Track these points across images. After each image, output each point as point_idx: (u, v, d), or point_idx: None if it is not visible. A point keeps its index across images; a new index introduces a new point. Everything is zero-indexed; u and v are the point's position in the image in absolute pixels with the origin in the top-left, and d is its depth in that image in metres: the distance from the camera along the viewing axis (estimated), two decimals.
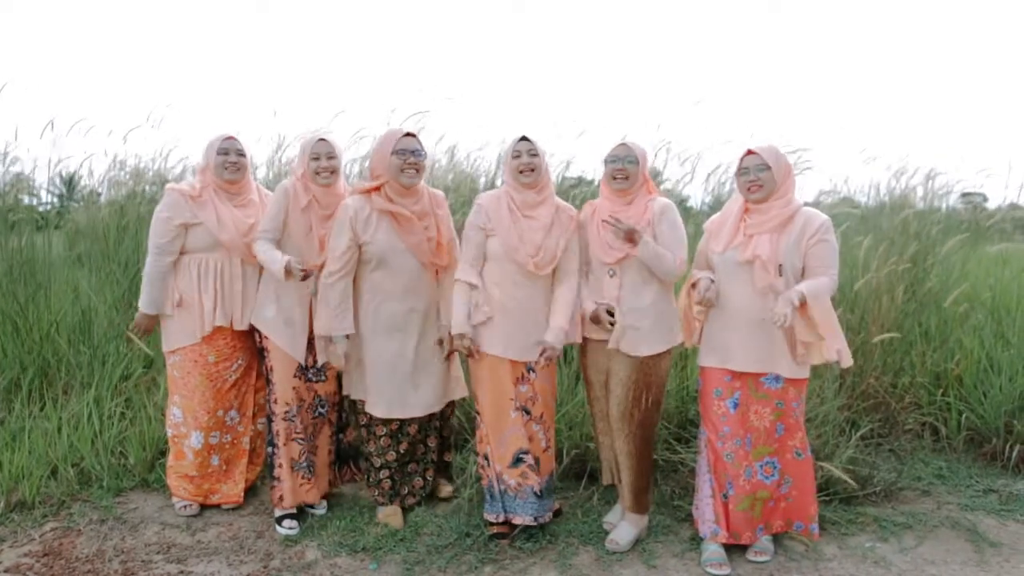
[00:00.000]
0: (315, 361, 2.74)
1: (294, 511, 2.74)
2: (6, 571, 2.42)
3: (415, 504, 2.86)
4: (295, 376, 2.72)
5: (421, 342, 2.70)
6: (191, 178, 2.95)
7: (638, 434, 2.56)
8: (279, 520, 2.72)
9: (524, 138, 2.58)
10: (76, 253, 4.71)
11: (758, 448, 2.48)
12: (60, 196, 5.67)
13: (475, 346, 2.56)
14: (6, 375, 3.66)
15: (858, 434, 3.17)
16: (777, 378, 2.43)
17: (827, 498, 2.87)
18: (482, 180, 4.49)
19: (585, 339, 2.66)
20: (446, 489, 2.96)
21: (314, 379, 2.76)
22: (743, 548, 2.55)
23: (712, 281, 2.45)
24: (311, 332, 2.70)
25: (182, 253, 2.74)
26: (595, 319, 2.53)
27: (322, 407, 2.82)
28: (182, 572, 2.44)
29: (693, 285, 2.51)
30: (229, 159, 2.73)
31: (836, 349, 2.33)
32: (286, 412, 2.71)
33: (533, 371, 2.61)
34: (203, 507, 2.86)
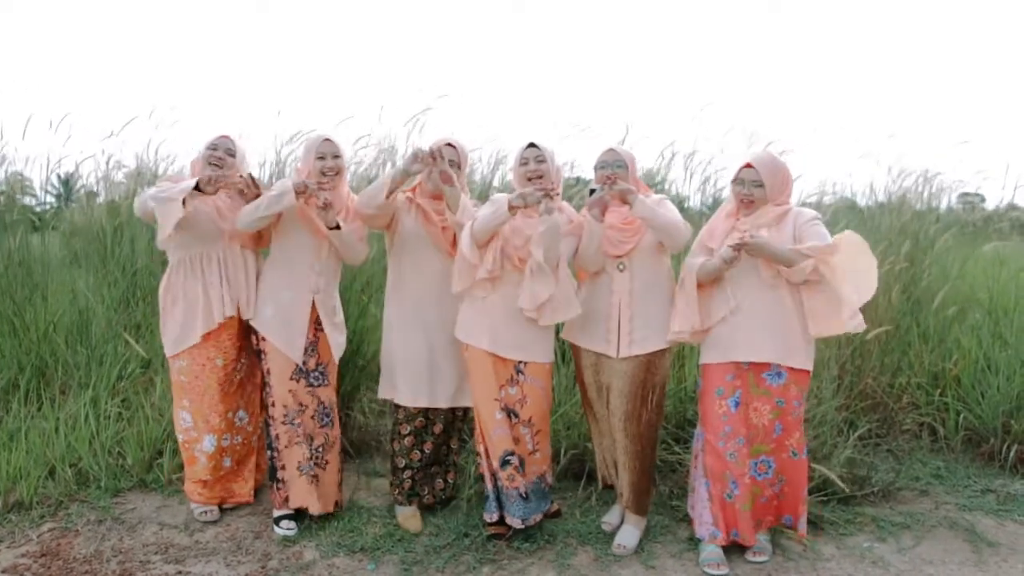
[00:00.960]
0: (316, 364, 2.73)
1: (292, 512, 2.74)
2: (4, 572, 2.41)
3: (433, 504, 2.86)
4: (292, 379, 2.70)
5: (446, 336, 2.71)
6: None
7: (643, 434, 2.57)
8: (277, 520, 2.71)
9: (532, 144, 2.59)
10: (73, 253, 4.70)
11: (755, 446, 2.49)
12: (57, 196, 5.66)
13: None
14: (3, 375, 3.65)
15: (856, 434, 3.17)
16: (779, 374, 2.44)
17: (825, 498, 2.88)
18: (477, 178, 4.49)
19: (579, 351, 2.66)
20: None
21: (315, 383, 2.75)
22: (741, 548, 2.55)
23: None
24: (313, 333, 2.70)
25: (182, 249, 2.69)
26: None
27: (327, 415, 2.78)
28: (180, 572, 2.43)
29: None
30: (215, 154, 2.71)
31: (850, 315, 2.32)
32: (284, 416, 2.69)
33: (523, 373, 2.60)
34: (221, 509, 2.85)
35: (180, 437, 2.82)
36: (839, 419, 3.29)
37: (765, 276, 2.42)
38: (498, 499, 2.61)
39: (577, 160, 4.53)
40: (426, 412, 2.75)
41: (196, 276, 2.69)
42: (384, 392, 2.82)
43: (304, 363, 2.71)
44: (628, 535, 2.62)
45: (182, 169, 4.58)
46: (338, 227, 2.65)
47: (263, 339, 2.69)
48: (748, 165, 2.47)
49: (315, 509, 2.71)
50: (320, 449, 2.75)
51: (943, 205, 4.57)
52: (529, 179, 2.56)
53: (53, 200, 5.52)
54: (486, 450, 2.61)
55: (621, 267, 2.55)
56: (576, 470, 3.11)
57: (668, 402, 3.27)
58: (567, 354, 3.55)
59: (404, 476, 2.78)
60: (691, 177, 4.48)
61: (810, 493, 2.70)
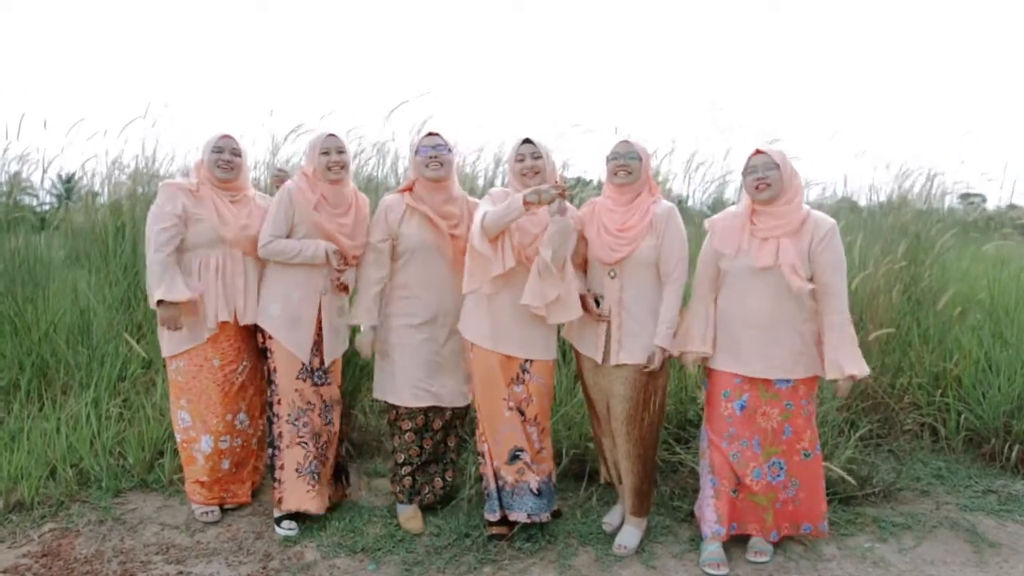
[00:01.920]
0: (321, 363, 2.73)
1: (293, 512, 2.74)
2: (5, 572, 2.42)
3: (434, 503, 2.86)
4: (298, 378, 2.70)
5: (448, 338, 2.73)
6: (180, 178, 2.92)
7: (644, 437, 2.55)
8: (278, 521, 2.71)
9: (527, 140, 2.56)
10: (74, 253, 4.70)
11: (767, 449, 2.48)
12: (59, 196, 5.66)
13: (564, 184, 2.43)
14: (5, 376, 3.66)
15: (857, 434, 3.17)
16: (788, 380, 2.43)
17: (826, 498, 2.87)
18: (480, 180, 4.49)
19: (581, 357, 2.66)
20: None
21: (319, 382, 2.75)
22: (743, 548, 2.55)
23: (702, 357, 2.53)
24: (317, 332, 2.70)
25: (182, 252, 2.68)
26: (582, 304, 2.53)
27: (329, 413, 2.79)
28: (181, 573, 2.43)
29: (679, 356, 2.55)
30: (223, 157, 2.70)
31: (852, 372, 2.35)
32: (289, 415, 2.69)
33: (528, 372, 2.60)
34: (223, 510, 2.86)
35: (179, 437, 2.83)
36: (840, 419, 3.30)
37: (783, 289, 2.36)
38: (499, 498, 2.61)
39: (576, 159, 4.52)
40: (427, 410, 2.76)
41: (194, 279, 2.67)
42: (381, 393, 2.79)
43: (310, 362, 2.71)
44: (629, 536, 2.62)
45: (180, 170, 4.59)
46: (346, 261, 2.69)
47: (269, 337, 2.69)
48: (758, 151, 2.42)
49: (313, 509, 2.71)
50: (325, 446, 2.77)
51: (945, 205, 4.57)
52: (525, 175, 2.53)
53: (54, 200, 5.53)
54: (488, 450, 2.62)
55: (612, 274, 2.52)
56: (576, 470, 3.11)
57: (669, 402, 3.27)
58: (567, 354, 3.55)
59: (404, 472, 2.78)
60: (690, 178, 4.48)
61: None
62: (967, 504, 2.99)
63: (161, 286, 2.59)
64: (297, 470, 2.70)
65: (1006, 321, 3.92)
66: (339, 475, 2.93)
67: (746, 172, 2.44)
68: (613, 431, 2.61)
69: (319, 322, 2.71)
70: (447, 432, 2.86)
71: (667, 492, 3.01)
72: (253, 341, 2.81)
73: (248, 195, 2.82)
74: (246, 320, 2.73)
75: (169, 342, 2.73)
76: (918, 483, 3.15)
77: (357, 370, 3.48)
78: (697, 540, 2.62)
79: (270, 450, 2.74)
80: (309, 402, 2.72)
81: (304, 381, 2.71)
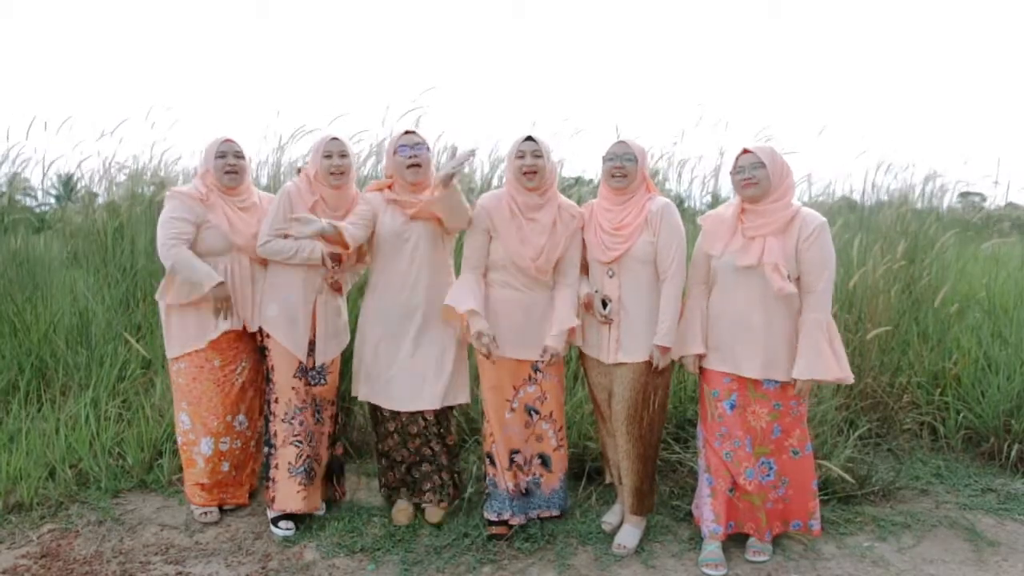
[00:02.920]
0: (315, 363, 2.74)
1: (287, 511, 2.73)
2: (4, 573, 2.42)
3: (431, 502, 2.81)
4: (296, 376, 2.70)
5: (419, 339, 2.65)
6: (182, 184, 2.92)
7: (644, 437, 2.55)
8: (275, 521, 2.71)
9: (529, 138, 2.53)
10: (73, 254, 4.70)
11: (757, 449, 2.48)
12: (58, 197, 5.66)
13: (494, 345, 2.53)
14: (4, 376, 3.65)
15: (856, 434, 3.17)
16: (776, 380, 2.43)
17: (825, 497, 2.87)
18: (477, 176, 4.48)
19: (584, 355, 2.66)
20: (435, 512, 2.79)
21: (313, 382, 2.75)
22: (742, 547, 2.55)
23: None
24: (313, 332, 2.70)
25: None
26: (588, 305, 2.53)
27: (320, 412, 2.79)
28: (180, 573, 2.43)
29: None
30: (228, 162, 2.69)
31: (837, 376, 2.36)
32: (285, 413, 2.70)
33: (540, 371, 2.60)
34: (222, 510, 2.86)
35: (179, 439, 2.83)
36: (839, 418, 3.30)
37: (770, 288, 2.35)
38: (500, 498, 2.62)
39: (575, 159, 4.53)
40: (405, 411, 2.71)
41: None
42: (363, 394, 2.75)
43: (306, 361, 2.71)
44: (628, 535, 2.62)
45: (180, 172, 4.59)
46: (340, 260, 2.66)
47: (267, 336, 2.69)
48: (745, 151, 2.41)
49: (301, 509, 2.71)
50: (318, 446, 2.78)
51: (944, 204, 4.57)
52: (525, 173, 2.51)
53: (53, 201, 5.53)
54: (494, 449, 2.63)
55: (610, 274, 2.52)
56: (576, 470, 3.11)
57: (668, 402, 3.27)
58: (567, 354, 3.55)
59: (393, 470, 2.78)
60: (687, 176, 4.48)
61: None
62: (966, 503, 2.99)
63: (201, 274, 2.58)
64: (289, 470, 2.70)
65: (1005, 320, 3.92)
66: (333, 475, 2.93)
67: (734, 171, 2.44)
68: (614, 430, 2.61)
69: (315, 323, 2.71)
70: (427, 438, 2.73)
71: (666, 492, 3.01)
72: (252, 341, 2.81)
73: (254, 200, 2.81)
74: (253, 328, 2.74)
75: (172, 342, 2.73)
76: (917, 482, 3.15)
77: None
78: (696, 539, 2.62)
79: (267, 448, 2.74)
80: (304, 401, 2.72)
81: (300, 380, 2.71)
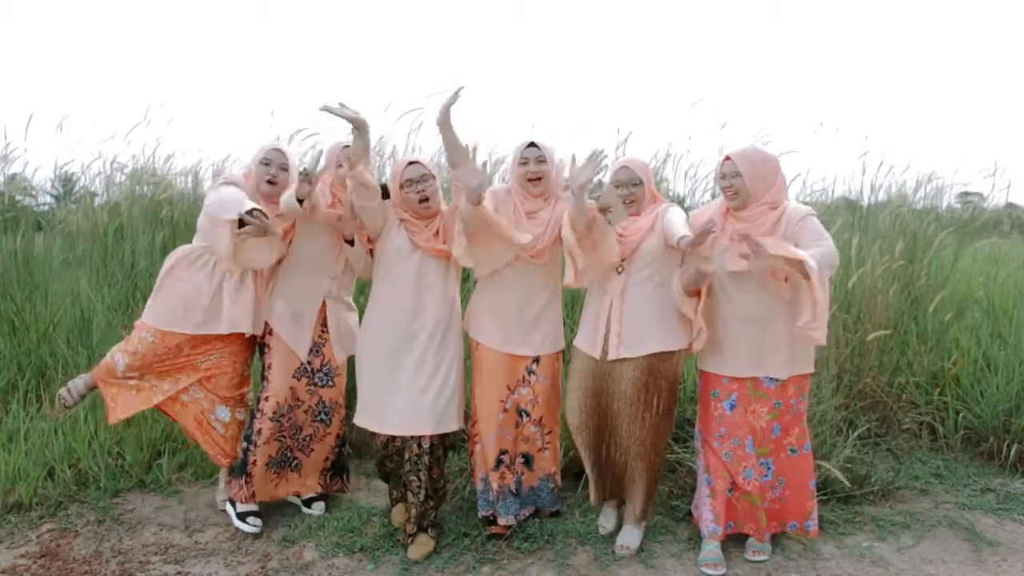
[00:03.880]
0: (322, 364, 2.73)
1: (258, 508, 2.70)
2: (3, 572, 2.42)
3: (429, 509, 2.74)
4: (294, 376, 2.70)
5: (421, 362, 2.49)
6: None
7: (647, 438, 2.52)
8: (242, 516, 2.66)
9: (532, 144, 2.53)
10: (74, 253, 4.71)
11: (758, 449, 2.48)
12: (58, 196, 5.67)
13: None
14: (3, 376, 3.65)
15: (855, 434, 3.17)
16: (776, 378, 2.43)
17: (825, 497, 2.87)
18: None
19: (578, 359, 2.63)
20: (422, 547, 2.54)
21: (320, 384, 2.75)
22: (742, 546, 2.55)
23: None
24: (317, 335, 2.70)
25: (206, 254, 2.61)
26: (603, 209, 2.38)
27: (325, 413, 2.79)
28: (180, 573, 2.43)
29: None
30: (270, 171, 2.60)
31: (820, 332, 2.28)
32: (275, 412, 2.66)
33: (534, 373, 2.61)
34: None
35: (104, 360, 2.69)
36: (838, 418, 3.30)
37: (771, 287, 2.36)
38: (488, 499, 2.63)
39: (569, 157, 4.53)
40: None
41: (214, 280, 2.59)
42: (363, 421, 2.58)
43: (308, 362, 2.71)
44: (630, 536, 2.61)
45: (178, 171, 4.59)
46: (351, 242, 2.62)
47: (269, 333, 2.68)
48: (727, 158, 2.42)
49: (277, 496, 2.73)
50: (308, 438, 2.77)
51: (943, 204, 4.57)
52: (530, 180, 2.53)
53: (54, 200, 5.53)
54: (479, 449, 2.63)
55: (619, 270, 2.51)
56: (576, 470, 3.11)
57: (675, 408, 3.25)
58: (567, 354, 3.55)
59: (391, 478, 2.75)
60: (689, 178, 4.49)
61: None
62: (965, 503, 2.99)
63: (233, 207, 2.40)
64: (267, 464, 2.69)
65: (1004, 320, 3.92)
66: (339, 471, 2.93)
67: (718, 177, 2.47)
68: (616, 431, 2.57)
69: (320, 324, 2.71)
70: (416, 465, 2.52)
71: (666, 492, 3.01)
72: (247, 343, 2.75)
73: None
74: (253, 331, 2.67)
75: (156, 313, 2.60)
76: (916, 482, 3.15)
77: None
78: (695, 539, 2.62)
79: (244, 444, 2.69)
80: (299, 399, 2.71)
81: (299, 380, 2.71)
